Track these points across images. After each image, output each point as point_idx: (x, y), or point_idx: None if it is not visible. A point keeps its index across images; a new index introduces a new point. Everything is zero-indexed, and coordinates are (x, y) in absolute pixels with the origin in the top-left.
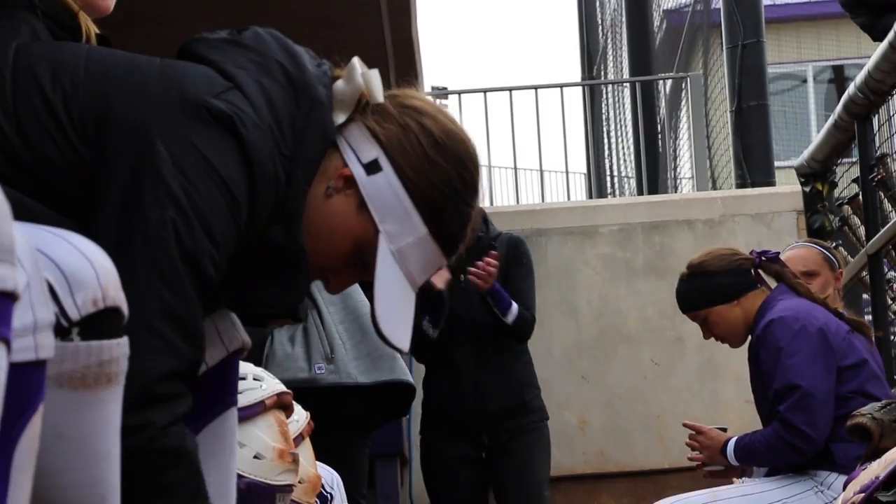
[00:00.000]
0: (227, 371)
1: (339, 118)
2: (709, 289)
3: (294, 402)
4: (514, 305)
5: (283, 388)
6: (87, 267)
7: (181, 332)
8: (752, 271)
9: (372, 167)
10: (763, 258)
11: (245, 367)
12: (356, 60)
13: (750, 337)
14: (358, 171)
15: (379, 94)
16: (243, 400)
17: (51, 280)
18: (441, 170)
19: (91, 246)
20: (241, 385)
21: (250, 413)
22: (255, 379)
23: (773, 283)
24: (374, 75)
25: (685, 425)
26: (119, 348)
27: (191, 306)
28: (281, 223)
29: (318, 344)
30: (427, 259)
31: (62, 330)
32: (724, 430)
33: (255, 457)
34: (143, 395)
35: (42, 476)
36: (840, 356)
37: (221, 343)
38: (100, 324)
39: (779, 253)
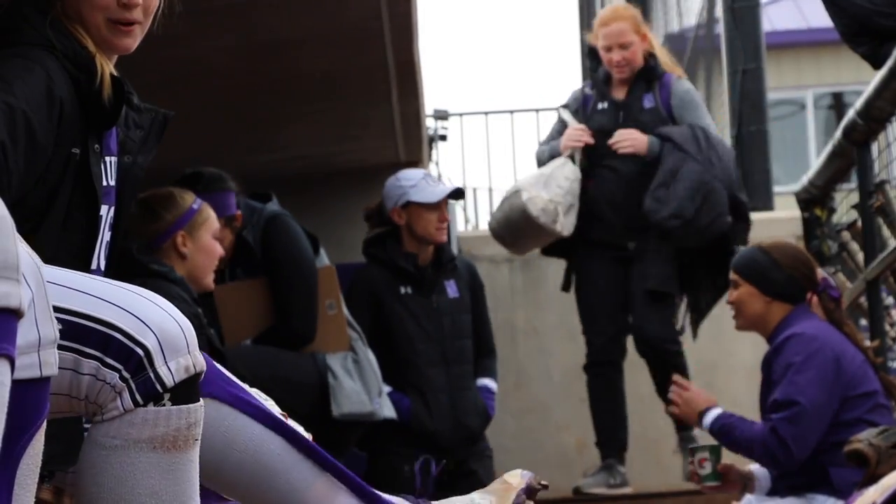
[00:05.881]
0: None
1: None
2: (760, 269)
3: (297, 424)
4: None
5: (276, 410)
6: (179, 333)
7: None
8: (808, 291)
9: None
10: (825, 289)
11: None
12: None
13: (768, 347)
14: None
15: None
16: None
17: (149, 346)
18: None
19: (171, 306)
20: None
21: None
22: None
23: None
24: None
25: (675, 381)
26: (201, 410)
27: None
28: None
29: (372, 378)
30: None
31: (156, 395)
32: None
33: None
34: None
35: None
36: (854, 384)
37: None
38: (188, 388)
39: (841, 295)
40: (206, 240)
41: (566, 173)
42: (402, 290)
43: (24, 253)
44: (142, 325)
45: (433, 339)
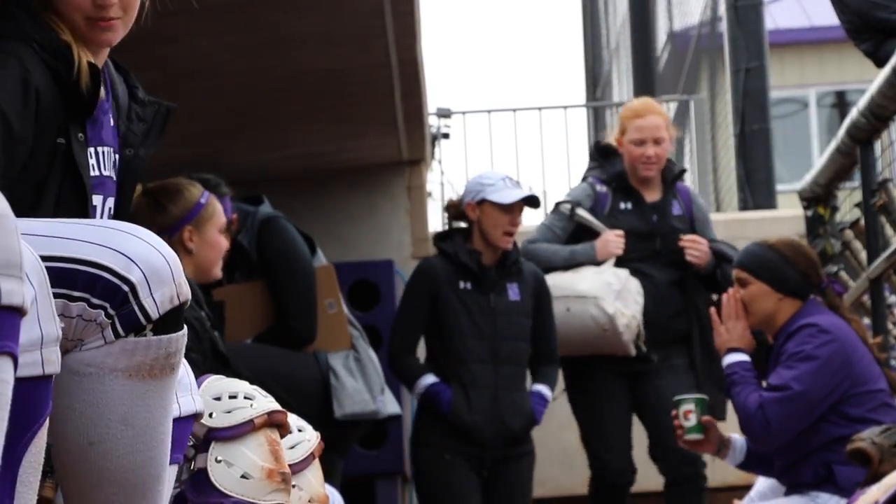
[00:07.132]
0: (177, 431)
1: None
2: (773, 266)
3: (305, 422)
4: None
5: (275, 406)
6: (164, 264)
7: None
8: (814, 288)
9: None
10: (831, 286)
11: (237, 386)
12: None
13: (778, 338)
14: None
15: None
16: (231, 419)
17: (134, 281)
18: None
19: (155, 238)
20: (231, 404)
21: (238, 432)
22: (245, 398)
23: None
24: None
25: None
26: (182, 339)
27: None
28: None
29: (374, 376)
30: None
31: (139, 326)
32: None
33: (243, 476)
34: None
35: (105, 459)
36: (862, 380)
37: (177, 403)
38: (171, 318)
39: (846, 291)
40: (213, 235)
41: (637, 287)
42: (462, 285)
43: (27, 251)
44: (127, 261)
45: (485, 336)
